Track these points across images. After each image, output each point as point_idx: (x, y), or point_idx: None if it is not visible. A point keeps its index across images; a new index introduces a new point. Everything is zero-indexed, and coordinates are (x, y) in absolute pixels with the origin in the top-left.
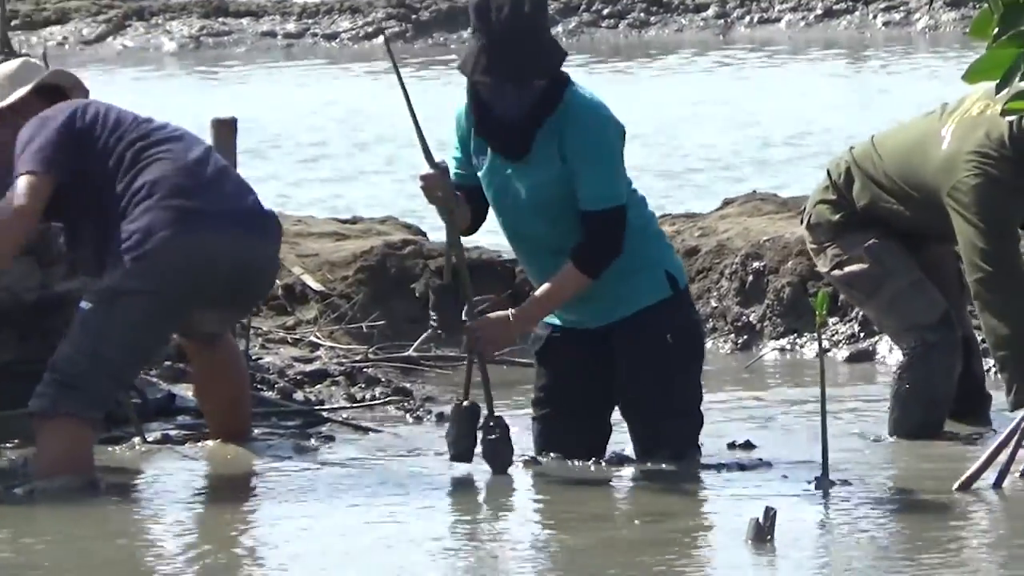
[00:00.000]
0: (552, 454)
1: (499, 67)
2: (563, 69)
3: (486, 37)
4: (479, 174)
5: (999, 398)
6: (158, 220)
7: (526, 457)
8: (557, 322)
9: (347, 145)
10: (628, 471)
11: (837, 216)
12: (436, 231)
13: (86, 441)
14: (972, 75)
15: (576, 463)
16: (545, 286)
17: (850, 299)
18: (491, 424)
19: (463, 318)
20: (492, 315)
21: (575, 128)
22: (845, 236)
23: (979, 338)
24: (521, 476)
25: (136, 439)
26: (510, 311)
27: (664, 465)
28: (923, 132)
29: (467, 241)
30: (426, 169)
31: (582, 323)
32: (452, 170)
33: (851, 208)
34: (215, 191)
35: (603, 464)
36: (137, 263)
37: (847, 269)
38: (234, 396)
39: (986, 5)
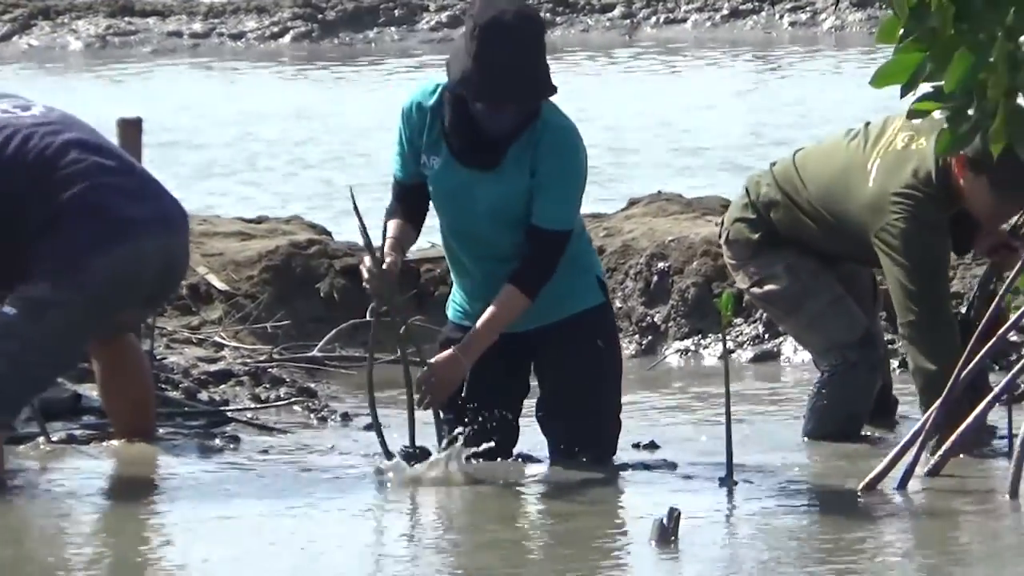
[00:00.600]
0: (461, 455)
1: (503, 89)
2: None
3: (493, 60)
4: (428, 172)
5: (904, 401)
6: (87, 232)
7: (437, 457)
8: (468, 323)
9: (252, 144)
10: (534, 472)
11: (756, 235)
12: (341, 232)
13: None
14: (879, 79)
15: (483, 464)
16: (486, 315)
17: (772, 317)
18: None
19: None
20: (440, 357)
21: (548, 147)
22: (764, 254)
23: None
24: (429, 477)
25: (40, 439)
26: (455, 350)
27: (569, 466)
28: (848, 163)
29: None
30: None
31: (509, 327)
32: (395, 165)
33: (770, 227)
34: (138, 194)
35: (510, 465)
36: (68, 276)
37: (766, 287)
38: (138, 396)
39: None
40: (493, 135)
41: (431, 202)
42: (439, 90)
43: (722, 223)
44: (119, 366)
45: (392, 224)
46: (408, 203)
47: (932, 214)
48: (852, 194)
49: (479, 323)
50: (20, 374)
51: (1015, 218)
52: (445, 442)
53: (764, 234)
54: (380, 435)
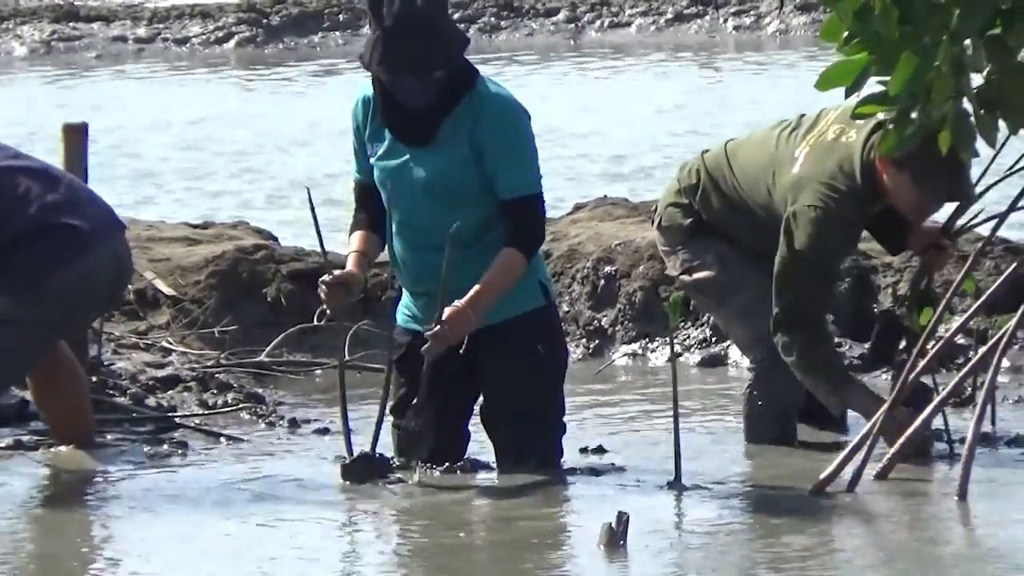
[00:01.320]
0: (411, 460)
1: (395, 61)
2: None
3: (380, 30)
4: (372, 160)
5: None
6: (42, 249)
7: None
8: (415, 327)
9: (197, 150)
10: (483, 477)
11: (688, 220)
12: (287, 236)
13: None
14: (823, 82)
15: (433, 469)
16: (486, 276)
17: (700, 305)
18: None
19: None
20: (451, 310)
21: (490, 119)
22: (695, 241)
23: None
24: (380, 482)
25: None
26: (463, 304)
27: (516, 471)
28: (776, 152)
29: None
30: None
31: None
32: (355, 167)
33: (700, 214)
34: (73, 204)
35: (459, 470)
36: (30, 295)
37: (695, 276)
38: (75, 403)
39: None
40: (413, 106)
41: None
42: None
43: (655, 208)
44: (52, 374)
45: (355, 236)
46: (369, 208)
47: (848, 210)
48: (777, 182)
49: (480, 282)
50: None
51: (952, 218)
52: (394, 449)
53: (695, 220)
54: (348, 441)
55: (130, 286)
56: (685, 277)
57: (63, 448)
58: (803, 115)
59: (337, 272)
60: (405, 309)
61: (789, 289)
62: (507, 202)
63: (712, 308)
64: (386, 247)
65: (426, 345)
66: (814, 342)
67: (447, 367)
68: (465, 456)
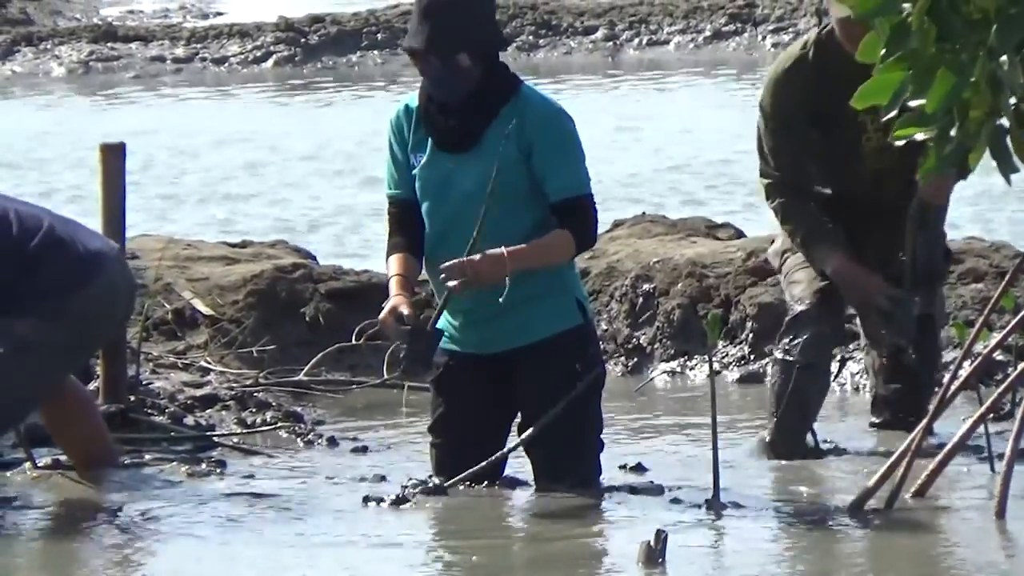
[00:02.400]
0: (449, 478)
1: (419, 34)
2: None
3: (416, 10)
4: (415, 172)
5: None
6: (64, 269)
7: (426, 484)
8: (455, 348)
9: (235, 169)
10: (521, 495)
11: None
12: (325, 255)
13: None
14: (860, 98)
15: (471, 488)
16: (536, 242)
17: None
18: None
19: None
20: (489, 252)
21: (536, 121)
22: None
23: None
24: (417, 501)
25: (26, 464)
26: (503, 250)
27: (554, 489)
28: None
29: (355, 264)
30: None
31: (483, 348)
32: (389, 185)
33: None
34: (79, 230)
35: (497, 488)
36: (54, 317)
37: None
38: (88, 428)
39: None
40: (445, 99)
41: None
42: None
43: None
44: (64, 404)
45: (395, 260)
46: (406, 227)
47: (795, 70)
48: None
49: (528, 244)
50: (2, 411)
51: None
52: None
53: None
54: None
55: (167, 305)
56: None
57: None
58: None
59: (390, 309)
60: (444, 328)
61: (763, 153)
62: (558, 203)
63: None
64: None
65: (449, 279)
66: (789, 207)
67: (485, 385)
68: (503, 474)
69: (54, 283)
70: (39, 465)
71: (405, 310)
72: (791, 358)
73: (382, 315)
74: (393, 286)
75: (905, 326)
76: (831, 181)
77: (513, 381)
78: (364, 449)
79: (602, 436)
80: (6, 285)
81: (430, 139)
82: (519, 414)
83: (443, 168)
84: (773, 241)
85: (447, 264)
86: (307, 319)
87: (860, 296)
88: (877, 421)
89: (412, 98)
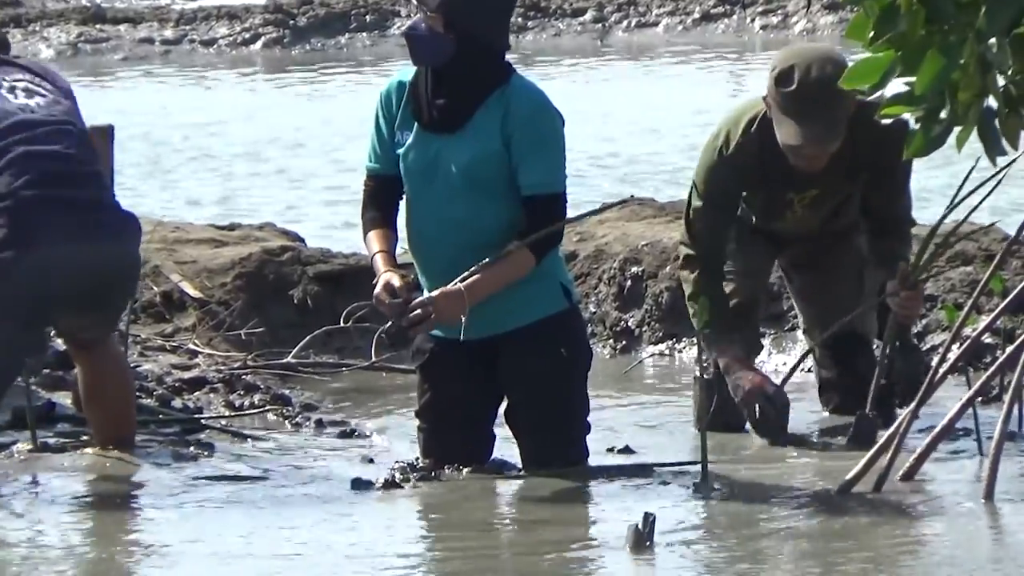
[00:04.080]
0: (437, 462)
1: None
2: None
3: None
4: (400, 151)
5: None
6: (12, 235)
7: (416, 469)
8: (439, 333)
9: (223, 151)
10: (509, 478)
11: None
12: (313, 237)
13: None
14: (849, 80)
15: (459, 471)
16: (492, 267)
17: None
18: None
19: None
20: (445, 289)
21: (521, 111)
22: None
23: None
24: (405, 484)
25: (15, 447)
26: (460, 285)
27: (543, 472)
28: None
29: (343, 247)
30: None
31: (468, 333)
32: (370, 159)
33: None
34: (62, 203)
35: (484, 472)
36: None
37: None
38: (118, 406)
39: (862, 9)
40: (419, 60)
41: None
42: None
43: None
44: (100, 375)
45: (376, 236)
46: (381, 202)
47: (734, 153)
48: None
49: (485, 271)
50: None
51: (913, 266)
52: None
53: None
54: None
55: (155, 288)
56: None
57: (89, 450)
58: None
59: (383, 285)
60: None
61: (689, 225)
62: (528, 198)
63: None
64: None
65: (416, 318)
66: (700, 283)
67: (471, 370)
68: (491, 458)
69: None
70: (29, 448)
71: (396, 282)
72: (708, 376)
73: (376, 291)
74: (380, 263)
75: (865, 440)
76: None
77: (499, 366)
78: (352, 432)
79: (589, 419)
80: None
81: (416, 120)
82: (505, 398)
83: (429, 149)
84: (678, 258)
85: (413, 303)
86: (295, 302)
87: (744, 397)
88: (828, 408)
89: (405, 73)
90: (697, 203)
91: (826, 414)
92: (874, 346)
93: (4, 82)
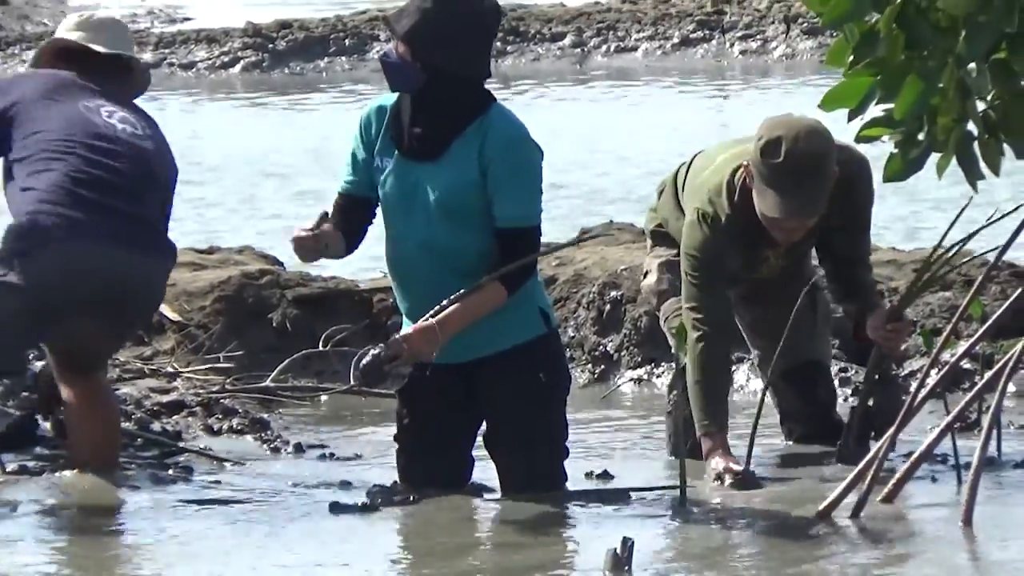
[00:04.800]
0: (415, 486)
1: (394, 16)
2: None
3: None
4: (379, 177)
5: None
6: (46, 222)
7: (394, 492)
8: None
9: (202, 174)
10: (488, 503)
11: (653, 224)
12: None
13: None
14: (828, 102)
15: (438, 495)
16: (466, 301)
17: None
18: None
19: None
20: (418, 326)
21: (498, 142)
22: (657, 247)
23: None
24: (384, 507)
25: None
26: (433, 322)
27: (521, 496)
28: (709, 156)
29: (322, 271)
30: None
31: (447, 358)
32: (344, 178)
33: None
34: (104, 208)
35: (462, 496)
36: (18, 257)
37: (644, 283)
38: (107, 433)
39: (841, 35)
40: (394, 87)
41: (382, 215)
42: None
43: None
44: (90, 400)
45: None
46: (346, 216)
47: (719, 223)
48: (688, 184)
49: (458, 305)
50: None
51: (901, 302)
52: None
53: (658, 224)
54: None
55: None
56: (642, 280)
57: (67, 472)
58: None
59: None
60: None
61: (688, 299)
62: (501, 230)
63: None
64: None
65: (391, 354)
66: (708, 356)
67: (450, 394)
68: (469, 481)
69: (27, 224)
70: (7, 471)
71: (302, 233)
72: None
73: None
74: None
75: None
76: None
77: (477, 390)
78: (331, 456)
79: (569, 444)
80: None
81: (396, 146)
82: (484, 423)
83: (408, 176)
84: (647, 273)
85: (387, 345)
86: (274, 325)
87: (714, 476)
88: (791, 439)
89: (388, 97)
90: (694, 275)
91: (791, 443)
92: (832, 370)
93: (103, 109)
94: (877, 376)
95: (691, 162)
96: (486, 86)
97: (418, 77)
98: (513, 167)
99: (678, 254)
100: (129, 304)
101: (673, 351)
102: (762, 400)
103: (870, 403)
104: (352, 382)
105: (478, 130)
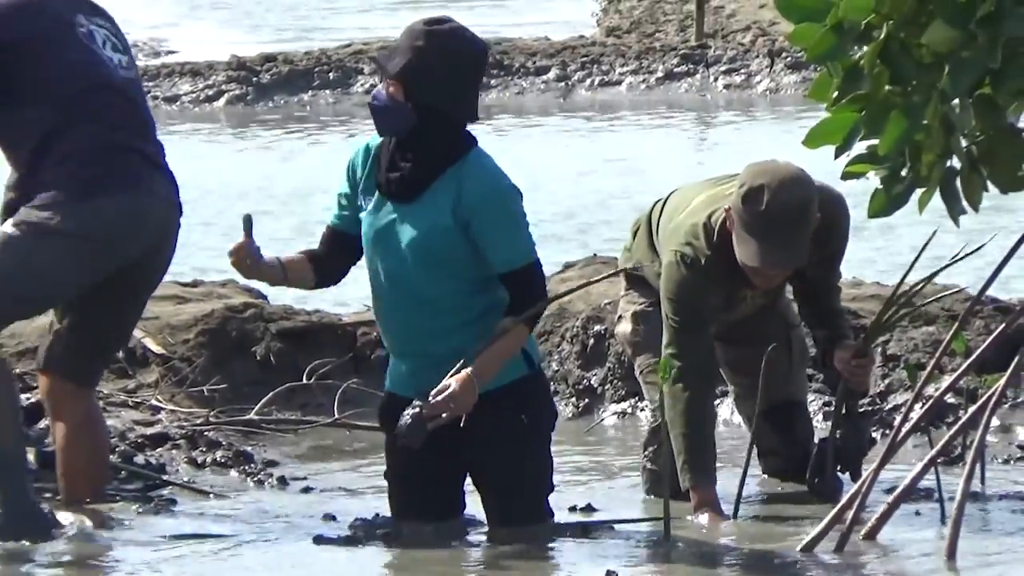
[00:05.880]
0: (406, 521)
1: (382, 56)
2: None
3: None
4: (361, 215)
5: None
6: (108, 171)
7: (379, 525)
8: (405, 394)
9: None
10: (473, 535)
11: (628, 266)
12: (276, 296)
13: None
14: (812, 139)
15: (422, 528)
16: (494, 346)
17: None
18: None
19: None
20: (454, 380)
21: (476, 195)
22: (631, 291)
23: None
24: (367, 540)
25: None
26: (468, 372)
27: (507, 531)
28: (684, 197)
29: (307, 303)
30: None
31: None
32: (333, 212)
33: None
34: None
35: (450, 528)
36: (79, 206)
37: (617, 328)
38: (96, 458)
39: (825, 69)
40: (382, 131)
41: (363, 254)
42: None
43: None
44: (82, 424)
45: (293, 253)
46: (326, 246)
47: (698, 267)
48: (663, 228)
49: (489, 351)
50: (6, 293)
51: (867, 337)
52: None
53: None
54: None
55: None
56: (616, 326)
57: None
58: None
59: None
60: (391, 370)
61: (670, 344)
62: (504, 275)
63: (632, 360)
64: (372, 307)
65: (435, 411)
66: (692, 402)
67: (439, 429)
68: (462, 513)
69: (90, 174)
70: None
71: (232, 246)
72: (656, 467)
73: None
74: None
75: (829, 497)
76: None
77: (463, 429)
78: (314, 489)
79: (553, 479)
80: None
81: (377, 186)
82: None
83: (385, 217)
84: (620, 318)
85: (430, 404)
86: (258, 358)
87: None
88: (768, 473)
89: (374, 139)
90: (675, 319)
91: (770, 477)
92: (816, 404)
93: (93, 27)
94: (844, 411)
95: (665, 202)
96: (470, 128)
97: (409, 118)
98: (495, 219)
99: (652, 303)
100: (160, 259)
101: (651, 408)
102: (749, 452)
103: (837, 436)
104: (400, 442)
105: (455, 176)
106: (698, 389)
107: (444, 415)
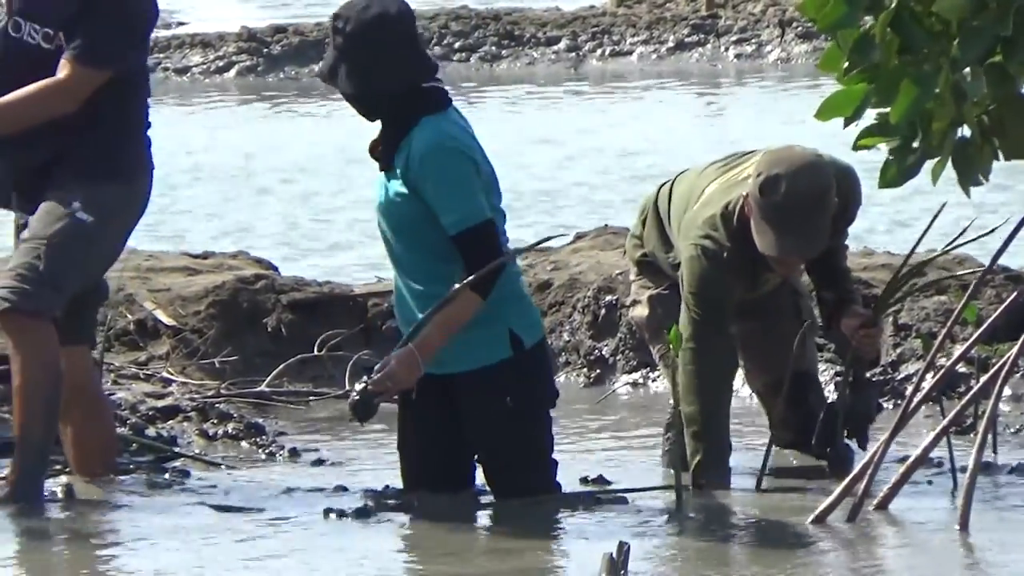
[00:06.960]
0: (416, 492)
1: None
2: (431, 96)
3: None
4: None
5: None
6: (143, 155)
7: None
8: None
9: (196, 178)
10: (483, 507)
11: (638, 254)
12: (286, 265)
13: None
14: (824, 112)
15: (433, 499)
16: (438, 315)
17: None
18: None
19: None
20: (399, 353)
21: (415, 160)
22: (643, 277)
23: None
24: (378, 512)
25: None
26: (411, 347)
27: (518, 501)
28: (694, 184)
29: (317, 275)
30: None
31: (427, 369)
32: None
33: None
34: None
35: (460, 500)
36: (128, 188)
37: (632, 313)
38: (109, 435)
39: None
40: (371, 119)
41: None
42: None
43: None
44: (90, 408)
45: None
46: None
47: (719, 255)
48: (674, 217)
49: (432, 322)
50: (73, 281)
51: (878, 305)
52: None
53: (644, 254)
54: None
55: (129, 316)
56: (629, 310)
57: (64, 478)
58: (748, 152)
59: None
60: (400, 344)
61: (692, 337)
62: (454, 238)
63: (650, 344)
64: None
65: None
66: (708, 400)
67: (439, 401)
68: (471, 486)
69: (133, 157)
70: (2, 476)
71: None
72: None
73: None
74: None
75: (841, 468)
76: None
77: (454, 407)
78: (325, 461)
79: (560, 446)
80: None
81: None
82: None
83: (380, 187)
84: (635, 302)
85: (372, 380)
86: (269, 330)
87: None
88: (781, 445)
89: None
90: (699, 312)
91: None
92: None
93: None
94: (852, 378)
95: (672, 187)
96: (449, 91)
97: (376, 105)
98: (435, 179)
99: (668, 286)
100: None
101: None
102: (769, 447)
103: (846, 400)
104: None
105: (406, 144)
106: (718, 387)
107: (387, 392)
